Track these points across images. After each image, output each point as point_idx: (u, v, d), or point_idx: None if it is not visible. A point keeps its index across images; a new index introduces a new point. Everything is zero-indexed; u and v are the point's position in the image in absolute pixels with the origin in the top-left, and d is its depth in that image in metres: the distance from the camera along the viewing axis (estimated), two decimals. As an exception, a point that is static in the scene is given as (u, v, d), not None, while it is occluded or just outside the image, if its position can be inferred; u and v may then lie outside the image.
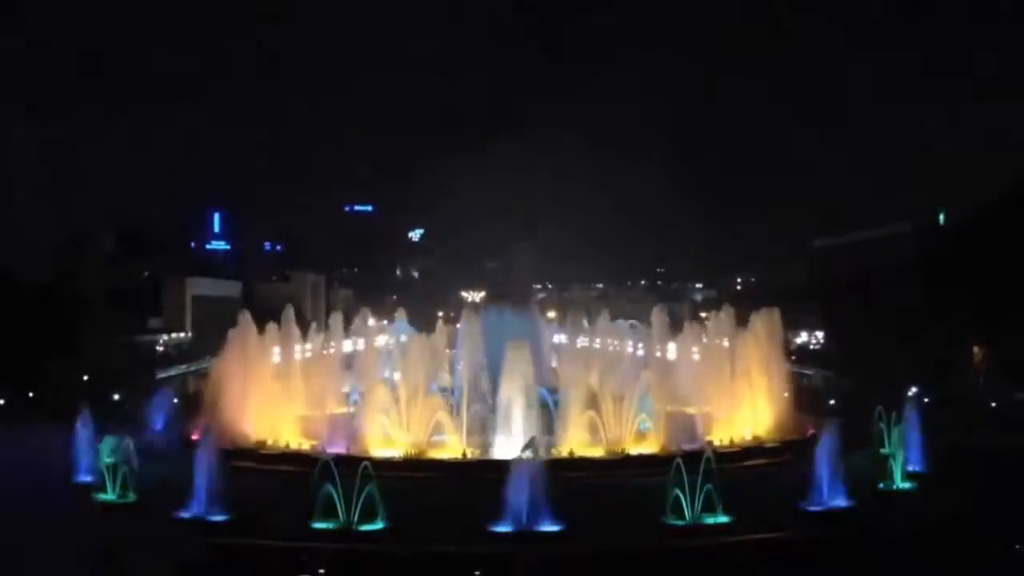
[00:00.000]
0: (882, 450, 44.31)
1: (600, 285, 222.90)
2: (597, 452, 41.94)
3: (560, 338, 79.94)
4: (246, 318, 56.44)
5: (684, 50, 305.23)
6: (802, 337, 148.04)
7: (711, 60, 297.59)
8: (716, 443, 43.39)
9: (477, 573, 32.47)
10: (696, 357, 60.79)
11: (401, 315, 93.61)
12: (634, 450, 42.08)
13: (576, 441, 42.04)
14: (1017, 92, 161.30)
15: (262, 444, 45.26)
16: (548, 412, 45.85)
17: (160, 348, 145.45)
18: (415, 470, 39.83)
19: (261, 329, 56.80)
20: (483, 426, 44.11)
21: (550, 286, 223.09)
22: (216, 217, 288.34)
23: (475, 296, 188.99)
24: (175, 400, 54.61)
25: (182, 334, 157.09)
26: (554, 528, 35.13)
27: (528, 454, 39.04)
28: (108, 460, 42.60)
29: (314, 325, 77.24)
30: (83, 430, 45.82)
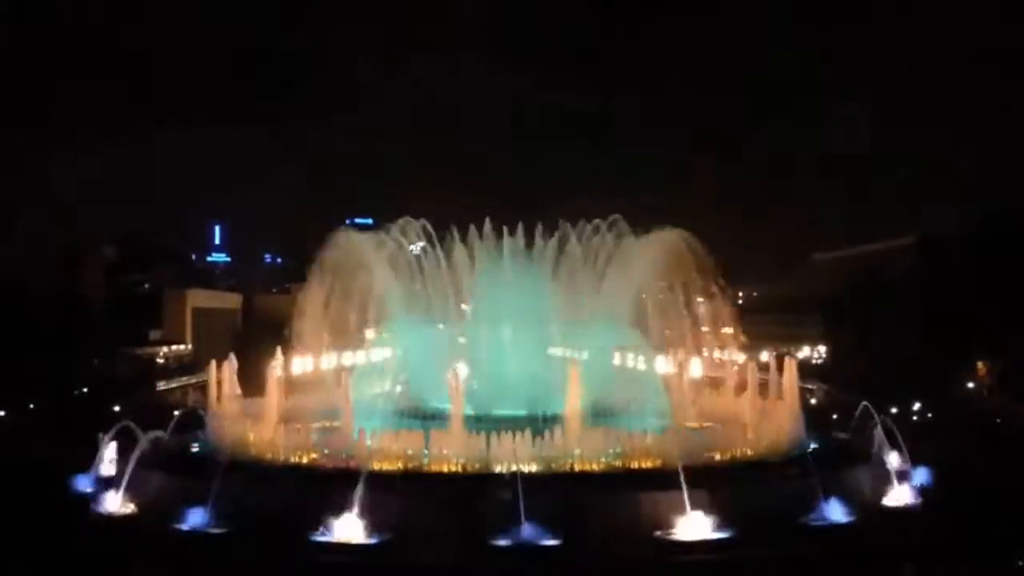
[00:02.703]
0: (885, 465, 44.08)
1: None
2: (598, 466, 41.88)
3: (558, 351, 79.49)
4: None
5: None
6: (804, 352, 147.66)
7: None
8: (717, 457, 43.32)
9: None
10: (697, 371, 60.56)
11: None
12: (635, 464, 41.99)
13: (577, 454, 41.91)
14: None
15: (263, 456, 45.13)
16: (548, 424, 45.78)
17: (160, 360, 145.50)
18: (414, 483, 39.67)
19: (261, 341, 56.59)
20: (484, 437, 43.98)
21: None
22: (217, 229, 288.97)
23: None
24: (176, 412, 54.59)
25: (182, 346, 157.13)
26: (555, 542, 34.92)
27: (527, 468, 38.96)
28: (108, 471, 42.50)
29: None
30: (84, 441, 45.82)
